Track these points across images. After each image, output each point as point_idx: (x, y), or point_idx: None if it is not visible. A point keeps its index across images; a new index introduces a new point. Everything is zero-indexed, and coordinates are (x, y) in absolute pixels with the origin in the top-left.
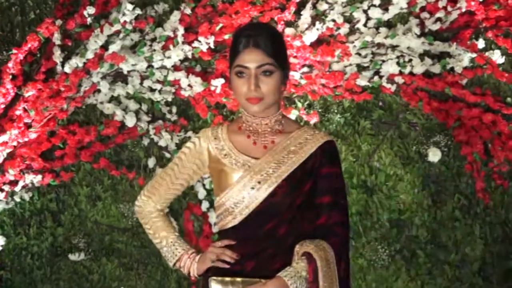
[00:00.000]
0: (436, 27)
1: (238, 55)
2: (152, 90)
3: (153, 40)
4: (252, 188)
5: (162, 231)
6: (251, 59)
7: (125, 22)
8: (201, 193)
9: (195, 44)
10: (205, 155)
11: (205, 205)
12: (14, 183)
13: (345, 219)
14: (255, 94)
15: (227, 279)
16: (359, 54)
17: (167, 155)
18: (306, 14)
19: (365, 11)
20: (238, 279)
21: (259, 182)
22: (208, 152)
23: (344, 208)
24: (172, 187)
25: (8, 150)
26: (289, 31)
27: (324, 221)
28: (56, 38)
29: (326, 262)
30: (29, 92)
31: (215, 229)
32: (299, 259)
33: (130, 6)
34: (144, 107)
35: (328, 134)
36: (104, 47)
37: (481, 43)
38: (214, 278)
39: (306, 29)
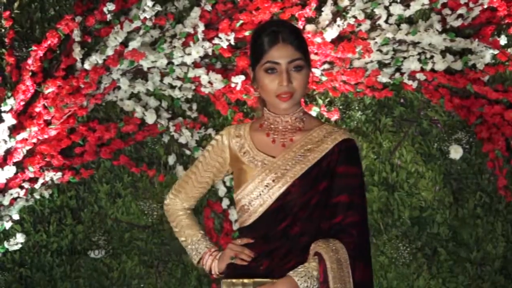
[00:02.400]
0: (457, 23)
1: (266, 51)
2: (172, 87)
3: (173, 36)
4: (267, 186)
5: (187, 229)
6: (282, 54)
7: (145, 18)
8: (222, 191)
9: (216, 40)
10: (226, 152)
11: (225, 203)
12: (34, 180)
13: (360, 219)
14: (287, 89)
15: (238, 281)
16: (380, 51)
17: (187, 152)
18: (327, 10)
19: (386, 8)
20: (248, 280)
21: (273, 180)
22: (230, 150)
23: (360, 208)
24: (197, 185)
25: (28, 147)
26: (310, 27)
27: (340, 221)
28: (76, 35)
29: (337, 263)
30: (49, 89)
31: (235, 227)
32: (311, 259)
33: (150, 3)
34: (164, 104)
35: (348, 132)
36: (124, 43)
37: (503, 40)
38: (225, 280)
39: (327, 25)
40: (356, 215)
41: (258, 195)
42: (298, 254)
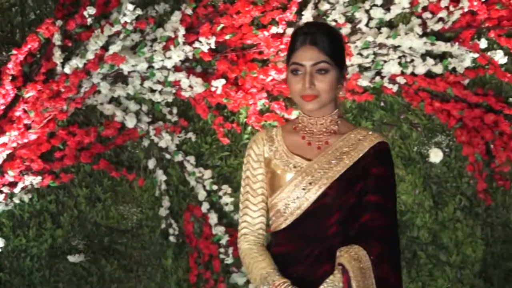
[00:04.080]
0: (438, 27)
1: (294, 52)
2: (152, 91)
3: (154, 40)
4: (303, 189)
5: (257, 268)
6: (307, 56)
7: (125, 22)
8: (201, 195)
9: (196, 44)
10: (263, 156)
11: (205, 207)
12: (13, 184)
13: (390, 222)
14: (309, 92)
15: None
16: (361, 55)
17: (168, 156)
18: (308, 14)
19: (367, 11)
20: None
21: (310, 184)
22: (264, 154)
23: (392, 211)
24: (256, 207)
25: (8, 152)
26: (290, 31)
27: (368, 221)
28: (56, 39)
29: (360, 272)
30: (29, 93)
31: (215, 231)
32: (336, 269)
33: (130, 7)
34: (145, 108)
35: (382, 135)
36: (105, 47)
37: (483, 43)
38: None
39: None
40: (386, 218)
41: (296, 198)
42: (333, 256)
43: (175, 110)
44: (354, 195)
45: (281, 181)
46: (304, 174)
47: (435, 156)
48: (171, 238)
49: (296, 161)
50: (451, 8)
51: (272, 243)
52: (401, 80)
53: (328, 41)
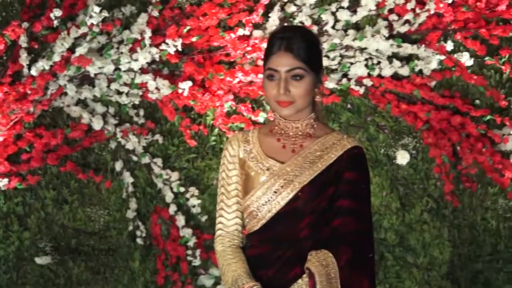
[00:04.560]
0: (404, 29)
1: (270, 57)
2: (119, 93)
3: (120, 42)
4: (275, 192)
5: (229, 270)
6: (282, 62)
7: (92, 24)
8: (169, 197)
9: (163, 46)
10: (236, 158)
11: (172, 209)
12: None
13: (364, 228)
14: (285, 98)
15: None
16: (328, 57)
17: (134, 158)
18: (274, 16)
19: (333, 13)
20: None
21: (282, 187)
22: (239, 155)
23: (365, 216)
24: (231, 209)
25: None
26: (257, 33)
27: (340, 226)
28: (23, 41)
29: (326, 277)
30: None
31: (182, 233)
32: (305, 273)
33: (97, 9)
34: (111, 110)
35: (357, 140)
36: (71, 49)
37: (449, 45)
38: None
39: None
40: (358, 223)
41: (267, 201)
42: (302, 260)
43: (142, 112)
44: (325, 199)
45: (254, 183)
46: (277, 177)
47: (402, 158)
48: (139, 240)
49: (270, 164)
50: (418, 10)
51: (247, 245)
52: (367, 82)
53: (304, 46)
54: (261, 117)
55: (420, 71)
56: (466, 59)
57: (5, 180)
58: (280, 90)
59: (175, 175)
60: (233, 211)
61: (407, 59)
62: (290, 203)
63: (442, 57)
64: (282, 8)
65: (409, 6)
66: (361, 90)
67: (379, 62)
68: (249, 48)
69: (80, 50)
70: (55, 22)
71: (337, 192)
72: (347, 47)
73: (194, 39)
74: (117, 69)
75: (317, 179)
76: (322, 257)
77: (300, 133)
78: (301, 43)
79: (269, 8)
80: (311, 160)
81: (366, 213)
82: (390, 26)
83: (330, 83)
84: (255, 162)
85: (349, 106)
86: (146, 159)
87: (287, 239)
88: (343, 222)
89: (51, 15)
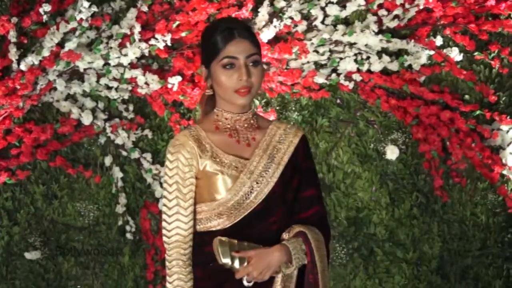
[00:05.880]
0: (394, 24)
1: (223, 48)
2: (108, 88)
3: (110, 37)
4: (250, 190)
5: None
6: (240, 49)
7: (81, 19)
8: (158, 192)
9: (152, 41)
10: (194, 160)
11: (162, 204)
12: None
13: (326, 212)
14: (246, 84)
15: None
16: (317, 52)
17: (124, 153)
18: (264, 11)
19: (322, 8)
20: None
21: (256, 183)
22: (197, 157)
23: (323, 201)
24: (186, 212)
25: None
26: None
27: (312, 215)
28: (12, 36)
29: (318, 243)
30: None
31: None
32: (294, 237)
33: (86, 4)
34: (101, 105)
35: (300, 127)
36: (60, 44)
37: (439, 41)
38: (220, 238)
39: (263, 26)
40: (324, 208)
41: (242, 199)
42: None
43: (131, 107)
44: (291, 190)
45: (218, 183)
46: (248, 173)
47: (392, 153)
48: (128, 235)
49: (234, 161)
50: (407, 6)
51: (205, 241)
52: (357, 77)
53: (252, 34)
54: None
55: (410, 66)
56: (455, 54)
57: None
58: (243, 76)
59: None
60: (188, 214)
61: (397, 54)
62: (266, 198)
63: (432, 52)
64: (271, 3)
65: (399, 1)
66: (351, 85)
67: (368, 57)
68: None
69: (70, 45)
70: (45, 17)
71: (300, 183)
72: (337, 42)
73: (183, 34)
74: (106, 64)
75: (286, 170)
76: (309, 227)
77: (247, 125)
78: (250, 31)
79: (258, 3)
80: (271, 153)
81: (322, 195)
82: (379, 21)
83: (319, 78)
84: (217, 161)
85: (338, 101)
86: (135, 154)
87: (260, 235)
88: (315, 211)
89: (41, 10)
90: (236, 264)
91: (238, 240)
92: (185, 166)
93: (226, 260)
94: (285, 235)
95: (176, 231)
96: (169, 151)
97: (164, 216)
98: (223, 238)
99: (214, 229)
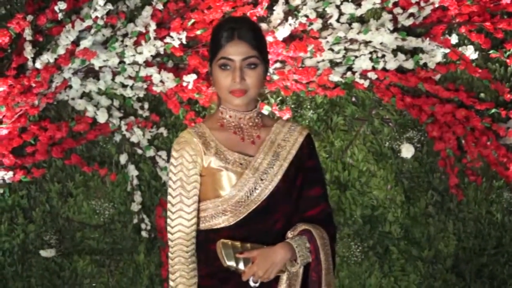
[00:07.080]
0: (409, 22)
1: (221, 47)
2: (124, 86)
3: (125, 35)
4: (255, 186)
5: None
6: (236, 51)
7: (96, 17)
8: None
9: (167, 39)
10: (199, 158)
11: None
12: None
13: (331, 209)
14: (240, 87)
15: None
16: (332, 50)
17: (139, 151)
18: (279, 9)
19: (337, 7)
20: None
21: (261, 180)
22: (201, 154)
23: (328, 199)
24: (190, 209)
25: None
26: (261, 26)
27: (318, 213)
28: (27, 34)
29: (323, 241)
30: (0, 88)
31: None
32: (299, 235)
33: (101, 2)
34: (116, 103)
35: (304, 126)
36: (76, 42)
37: (454, 39)
38: (223, 241)
39: (279, 24)
40: (329, 206)
41: (246, 197)
42: None
43: (146, 105)
44: (296, 189)
45: (223, 180)
46: (253, 171)
47: (407, 151)
48: (143, 233)
49: (239, 158)
50: (422, 4)
51: (209, 239)
52: (372, 75)
53: (254, 36)
54: (265, 110)
55: (425, 64)
56: (470, 53)
57: (10, 173)
58: (236, 79)
59: None
60: (191, 212)
61: (412, 53)
62: (270, 195)
63: (447, 51)
64: (287, 1)
65: None
66: (366, 84)
67: (383, 56)
68: None
69: (85, 43)
70: (60, 15)
71: (305, 181)
72: (352, 41)
73: (198, 32)
74: (121, 62)
75: (289, 168)
76: (315, 226)
77: (251, 123)
78: (252, 33)
79: (273, 1)
80: (275, 151)
81: (327, 193)
82: (394, 20)
83: (334, 76)
84: (221, 157)
85: (353, 99)
86: (150, 152)
87: (263, 233)
88: (320, 209)
89: (56, 8)
90: (241, 265)
91: (241, 241)
92: (190, 163)
93: (231, 263)
94: (289, 234)
95: (178, 228)
96: (174, 148)
97: (168, 213)
98: (226, 241)
99: (219, 226)
